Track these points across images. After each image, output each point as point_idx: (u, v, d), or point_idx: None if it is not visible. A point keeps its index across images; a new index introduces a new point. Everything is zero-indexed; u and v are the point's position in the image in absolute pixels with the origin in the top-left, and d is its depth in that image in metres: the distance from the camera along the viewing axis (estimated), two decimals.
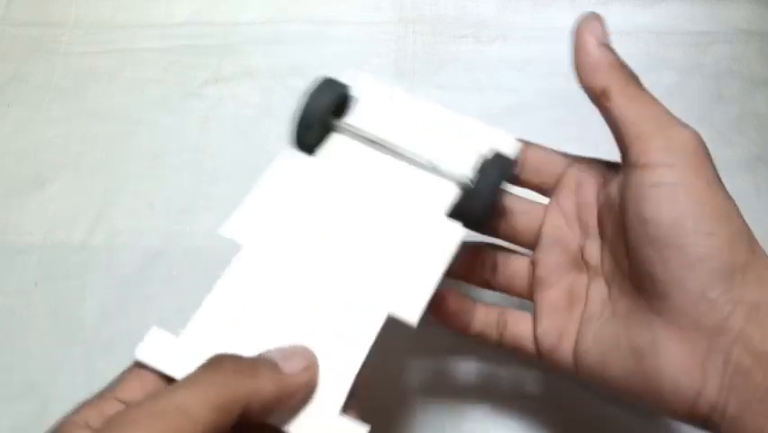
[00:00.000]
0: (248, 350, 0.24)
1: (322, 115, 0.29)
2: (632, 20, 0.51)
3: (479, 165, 0.30)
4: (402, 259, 0.27)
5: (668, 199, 0.24)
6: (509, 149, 0.31)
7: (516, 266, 0.32)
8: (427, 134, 0.31)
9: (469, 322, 0.32)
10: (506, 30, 0.51)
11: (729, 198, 0.25)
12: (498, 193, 0.29)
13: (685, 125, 0.26)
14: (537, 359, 0.30)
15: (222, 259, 0.43)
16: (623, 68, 0.28)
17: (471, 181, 0.29)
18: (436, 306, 0.30)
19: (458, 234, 0.28)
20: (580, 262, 0.30)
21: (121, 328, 0.41)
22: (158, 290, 0.42)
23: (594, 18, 0.29)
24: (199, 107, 0.48)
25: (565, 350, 0.29)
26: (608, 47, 0.28)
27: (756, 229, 0.44)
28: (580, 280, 0.30)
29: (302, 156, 0.30)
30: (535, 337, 0.30)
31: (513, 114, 0.48)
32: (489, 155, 0.30)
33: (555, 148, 0.35)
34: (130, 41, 0.50)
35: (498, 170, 0.29)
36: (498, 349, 0.32)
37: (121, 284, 0.42)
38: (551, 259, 0.31)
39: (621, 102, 0.27)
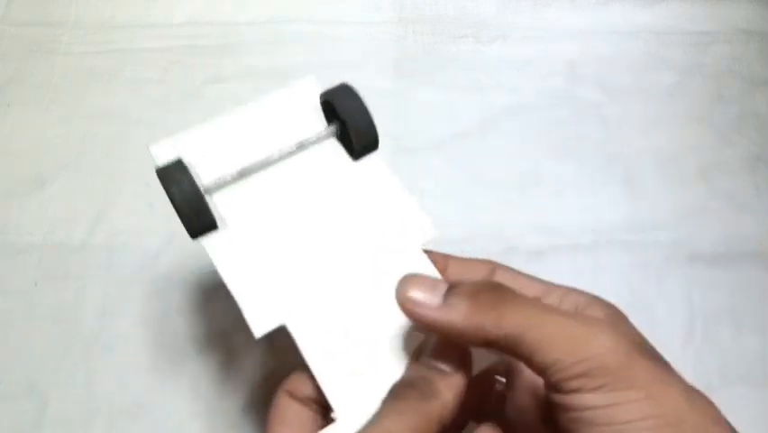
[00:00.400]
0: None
1: (197, 197, 0.28)
2: (632, 20, 0.51)
3: (328, 109, 0.31)
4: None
5: (603, 421, 0.21)
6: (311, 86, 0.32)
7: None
8: (275, 138, 0.31)
9: None
10: (506, 30, 0.51)
11: (679, 392, 0.22)
12: (365, 112, 0.30)
13: (595, 330, 0.22)
14: None
15: None
16: (481, 293, 0.23)
17: (340, 121, 0.30)
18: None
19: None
20: None
21: (121, 328, 0.41)
22: (158, 290, 0.42)
23: (408, 280, 0.24)
24: (199, 107, 0.48)
25: None
26: (443, 294, 0.23)
27: (756, 229, 0.44)
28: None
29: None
30: None
31: (513, 114, 0.48)
32: (331, 91, 0.31)
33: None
34: (130, 41, 0.50)
35: (350, 93, 0.30)
36: None
37: (121, 284, 0.42)
38: (521, 401, 0.27)
39: (515, 331, 0.22)
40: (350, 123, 0.30)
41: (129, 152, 0.46)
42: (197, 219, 0.29)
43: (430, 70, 0.49)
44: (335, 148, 0.31)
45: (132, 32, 0.50)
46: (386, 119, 0.47)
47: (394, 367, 0.26)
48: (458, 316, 0.23)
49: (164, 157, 0.30)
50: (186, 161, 0.29)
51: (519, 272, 0.28)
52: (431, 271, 0.28)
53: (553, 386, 0.22)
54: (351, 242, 0.29)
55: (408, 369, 0.25)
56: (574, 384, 0.21)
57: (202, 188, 0.29)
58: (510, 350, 0.22)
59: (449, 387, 0.24)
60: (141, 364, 0.40)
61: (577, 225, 0.44)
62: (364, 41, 0.50)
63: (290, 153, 0.30)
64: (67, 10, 0.51)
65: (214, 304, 0.42)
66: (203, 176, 0.30)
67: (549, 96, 0.48)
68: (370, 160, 0.31)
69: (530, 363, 0.22)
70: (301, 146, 0.30)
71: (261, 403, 0.39)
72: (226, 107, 0.47)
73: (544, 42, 0.50)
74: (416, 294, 0.23)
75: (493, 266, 0.29)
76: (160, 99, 0.48)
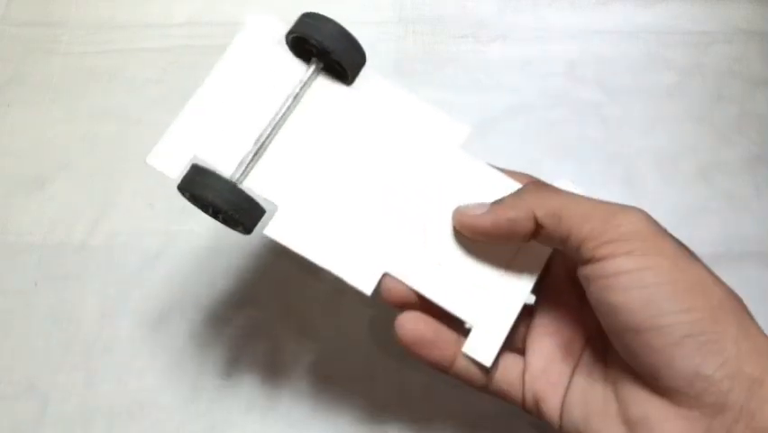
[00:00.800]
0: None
1: (237, 192, 0.27)
2: (632, 20, 0.51)
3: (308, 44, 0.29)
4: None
5: (635, 284, 0.23)
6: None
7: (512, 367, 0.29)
8: (264, 100, 0.30)
9: (451, 359, 0.28)
10: (506, 30, 0.51)
11: (703, 268, 0.24)
12: (347, 35, 0.29)
13: (627, 208, 0.25)
14: (522, 407, 0.29)
15: (221, 259, 0.43)
16: (528, 184, 0.27)
17: (321, 53, 0.29)
18: (410, 332, 0.28)
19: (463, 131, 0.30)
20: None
21: (121, 328, 0.41)
22: (158, 290, 0.42)
23: (458, 209, 0.28)
24: None
25: (552, 402, 0.27)
26: (488, 205, 0.27)
27: (756, 229, 0.44)
28: (576, 338, 0.28)
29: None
30: (523, 384, 0.28)
31: (513, 114, 0.48)
32: (299, 26, 0.29)
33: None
34: (129, 41, 0.50)
35: (321, 20, 0.29)
36: (483, 392, 0.29)
37: (121, 284, 0.42)
38: (550, 314, 0.29)
39: (552, 215, 0.25)
40: (336, 51, 0.28)
41: (129, 152, 0.46)
42: (249, 214, 0.27)
43: (430, 70, 0.49)
44: (328, 83, 0.30)
45: (132, 32, 0.50)
46: None
47: (490, 269, 0.28)
48: (507, 208, 0.26)
49: (168, 165, 0.28)
50: (198, 157, 0.28)
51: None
52: (481, 166, 0.29)
53: (589, 257, 0.24)
54: (398, 167, 0.29)
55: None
56: (608, 249, 0.23)
57: (234, 180, 0.28)
58: (552, 229, 0.25)
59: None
60: (141, 364, 0.40)
61: None
62: (364, 41, 0.50)
63: (289, 110, 0.29)
64: (67, 10, 0.51)
65: (215, 303, 0.42)
66: (223, 168, 0.28)
67: (549, 96, 0.48)
68: (365, 79, 0.30)
69: (567, 241, 0.24)
70: (296, 98, 0.29)
71: (263, 402, 0.39)
72: None
73: (544, 42, 0.50)
74: (470, 208, 0.27)
75: (529, 178, 0.30)
76: (160, 99, 0.48)
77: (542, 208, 0.25)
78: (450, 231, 0.28)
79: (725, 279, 0.42)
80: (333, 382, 0.40)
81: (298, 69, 0.29)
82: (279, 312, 0.41)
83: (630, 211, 0.24)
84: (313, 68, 0.29)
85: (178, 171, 0.28)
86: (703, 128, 0.47)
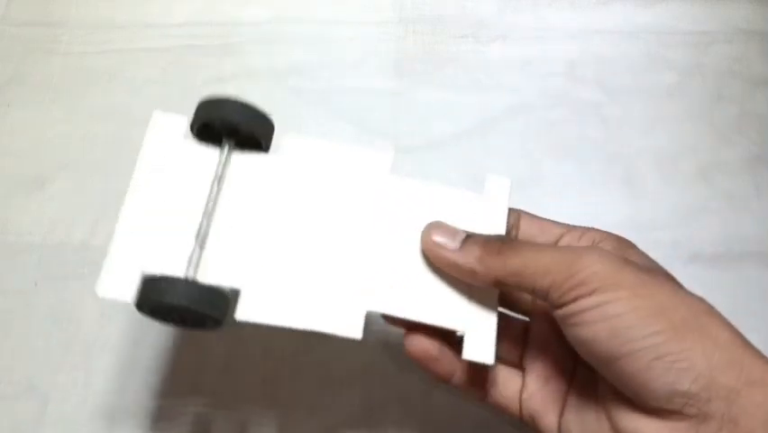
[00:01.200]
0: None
1: (202, 290, 0.27)
2: (632, 20, 0.51)
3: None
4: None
5: (598, 318, 0.24)
6: None
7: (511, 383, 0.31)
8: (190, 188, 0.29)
9: (453, 371, 0.30)
10: (506, 30, 0.51)
11: (666, 288, 0.25)
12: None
13: (585, 252, 0.26)
14: (520, 420, 0.30)
15: None
16: (490, 242, 0.28)
17: (231, 131, 0.29)
18: (417, 350, 0.30)
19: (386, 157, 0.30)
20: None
21: (121, 328, 0.41)
22: None
23: (432, 226, 0.29)
24: None
25: (549, 419, 0.29)
26: (461, 240, 0.28)
27: (756, 229, 0.44)
28: (568, 359, 0.30)
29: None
30: (521, 402, 0.30)
31: (513, 114, 0.48)
32: (202, 113, 0.29)
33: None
34: (130, 41, 0.50)
35: (224, 103, 0.29)
36: (481, 404, 0.31)
37: None
38: (542, 335, 0.31)
39: (514, 275, 0.27)
40: (241, 127, 0.28)
41: (129, 152, 0.46)
42: (217, 305, 0.27)
43: (430, 70, 0.49)
44: (246, 157, 0.29)
45: (132, 32, 0.50)
46: (386, 119, 0.47)
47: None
48: (473, 259, 0.27)
49: (119, 292, 0.27)
50: (146, 271, 0.27)
51: (541, 218, 0.32)
52: (416, 184, 0.30)
53: (556, 304, 0.26)
54: (340, 210, 0.29)
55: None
56: (572, 295, 0.25)
57: (191, 279, 0.27)
58: (516, 285, 0.27)
59: None
60: (141, 365, 0.40)
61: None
62: (364, 41, 0.50)
63: (218, 194, 0.29)
64: (67, 10, 0.51)
65: None
66: (173, 272, 0.27)
67: (549, 96, 0.48)
68: (282, 140, 0.30)
69: (534, 293, 0.26)
70: (219, 181, 0.29)
71: (263, 402, 0.39)
72: None
73: (544, 42, 0.50)
74: (439, 238, 0.28)
75: (518, 213, 0.32)
76: (160, 99, 0.48)
77: (502, 270, 0.27)
78: (413, 253, 0.29)
79: (725, 279, 0.42)
80: (332, 381, 0.40)
81: (213, 154, 0.29)
82: None
83: (587, 255, 0.25)
84: (226, 148, 0.29)
85: (131, 293, 0.27)
86: (703, 128, 0.47)
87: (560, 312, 0.26)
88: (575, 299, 0.25)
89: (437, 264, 0.28)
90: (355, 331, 0.27)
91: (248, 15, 0.51)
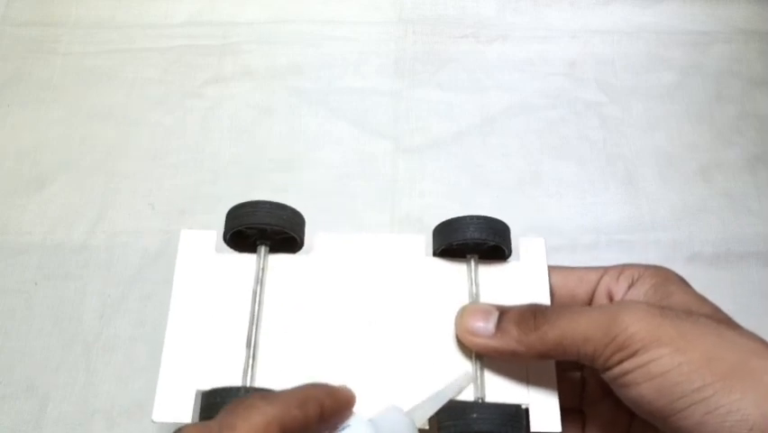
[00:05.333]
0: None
1: None
2: (632, 20, 0.51)
3: None
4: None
5: (644, 378, 0.24)
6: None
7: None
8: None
9: None
10: (506, 30, 0.51)
11: (712, 333, 0.24)
12: None
13: (623, 310, 0.25)
14: None
15: None
16: (524, 318, 0.27)
17: (264, 233, 0.29)
18: None
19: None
20: None
21: (121, 328, 0.41)
22: (158, 290, 0.42)
23: (464, 313, 0.28)
24: (199, 107, 0.48)
25: None
26: (495, 321, 0.27)
27: (756, 230, 0.44)
28: (624, 413, 0.29)
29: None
30: None
31: (513, 114, 0.48)
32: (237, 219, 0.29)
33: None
34: (130, 41, 0.50)
35: (254, 205, 0.29)
36: None
37: (121, 284, 0.42)
38: (598, 388, 0.31)
39: (556, 346, 0.26)
40: (275, 227, 0.28)
41: (129, 152, 0.46)
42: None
43: (430, 70, 0.49)
44: (282, 258, 0.29)
45: (132, 32, 0.50)
46: (386, 119, 0.47)
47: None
48: (511, 341, 0.27)
49: (176, 414, 0.27)
50: (201, 387, 0.27)
51: (574, 267, 0.31)
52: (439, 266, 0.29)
53: (602, 369, 0.25)
54: (386, 299, 0.29)
55: None
56: (615, 359, 0.25)
57: (249, 387, 0.27)
58: (561, 356, 0.26)
59: None
60: (141, 364, 0.40)
61: (577, 225, 0.44)
62: (364, 41, 0.50)
63: (261, 301, 0.28)
64: (67, 10, 0.51)
65: None
66: (230, 384, 0.27)
67: (549, 96, 0.48)
68: (314, 237, 0.30)
69: (579, 359, 0.26)
70: (261, 287, 0.28)
71: None
72: (226, 107, 0.48)
73: (544, 42, 0.50)
74: (473, 324, 0.27)
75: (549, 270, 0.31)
76: (160, 99, 0.48)
77: (543, 346, 0.26)
78: None
79: (725, 279, 0.42)
80: None
81: (249, 261, 0.29)
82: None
83: (623, 314, 0.25)
84: (263, 252, 0.29)
85: (189, 413, 0.27)
86: (703, 128, 0.47)
87: (607, 375, 0.26)
88: (619, 363, 0.25)
89: (477, 352, 0.28)
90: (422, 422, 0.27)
91: (248, 15, 0.51)
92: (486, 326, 0.27)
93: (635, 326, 0.24)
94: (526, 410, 0.27)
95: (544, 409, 0.28)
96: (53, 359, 0.40)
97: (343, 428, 0.22)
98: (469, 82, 0.49)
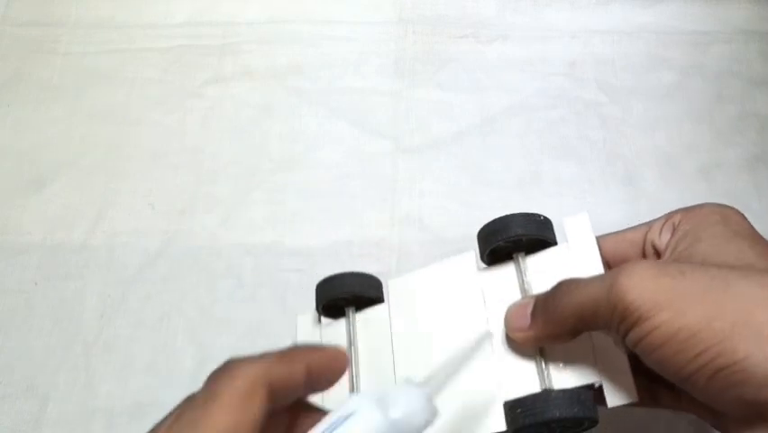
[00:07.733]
0: None
1: None
2: (632, 20, 0.51)
3: None
4: None
5: (652, 347, 0.23)
6: None
7: None
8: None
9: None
10: (506, 30, 0.51)
11: (715, 279, 0.23)
12: None
13: (619, 275, 0.24)
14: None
15: (221, 259, 0.43)
16: (540, 304, 0.27)
17: (352, 298, 0.33)
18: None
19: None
20: None
21: (121, 328, 0.41)
22: (158, 290, 0.42)
23: (507, 316, 0.29)
24: (199, 107, 0.48)
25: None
26: (530, 314, 0.28)
27: (756, 229, 0.44)
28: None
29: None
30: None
31: (513, 114, 0.48)
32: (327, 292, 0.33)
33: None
34: (130, 41, 0.50)
35: (340, 277, 0.33)
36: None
37: (121, 284, 0.42)
38: None
39: (574, 314, 0.26)
40: (358, 293, 0.32)
41: (129, 152, 0.46)
42: None
43: (430, 70, 0.49)
44: (366, 314, 0.32)
45: (132, 32, 0.51)
46: (386, 119, 0.47)
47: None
48: (542, 327, 0.27)
49: None
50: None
51: (622, 231, 0.31)
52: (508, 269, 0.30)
53: (621, 338, 0.25)
54: (458, 323, 0.30)
55: None
56: (623, 328, 0.24)
57: None
58: (587, 328, 0.26)
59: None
60: (141, 364, 0.40)
61: None
62: (364, 41, 0.50)
63: (355, 354, 0.31)
64: (67, 10, 0.51)
65: (214, 303, 0.42)
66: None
67: (549, 96, 0.48)
68: (389, 288, 0.33)
69: (602, 329, 0.26)
70: (354, 339, 0.32)
71: None
72: (226, 107, 0.48)
73: (544, 42, 0.50)
74: (515, 323, 0.28)
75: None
76: (160, 99, 0.48)
77: (566, 324, 0.26)
78: None
79: None
80: None
81: (340, 325, 0.33)
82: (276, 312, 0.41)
83: (619, 281, 0.24)
84: (351, 314, 0.32)
85: None
86: (703, 128, 0.47)
87: (625, 344, 0.25)
88: (626, 333, 0.24)
89: (527, 348, 0.28)
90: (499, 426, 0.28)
91: (248, 15, 0.51)
92: (524, 320, 0.28)
93: (633, 292, 0.23)
94: (600, 388, 0.27)
95: (617, 383, 0.27)
96: (53, 359, 0.40)
97: (348, 416, 0.22)
98: (469, 82, 0.49)
